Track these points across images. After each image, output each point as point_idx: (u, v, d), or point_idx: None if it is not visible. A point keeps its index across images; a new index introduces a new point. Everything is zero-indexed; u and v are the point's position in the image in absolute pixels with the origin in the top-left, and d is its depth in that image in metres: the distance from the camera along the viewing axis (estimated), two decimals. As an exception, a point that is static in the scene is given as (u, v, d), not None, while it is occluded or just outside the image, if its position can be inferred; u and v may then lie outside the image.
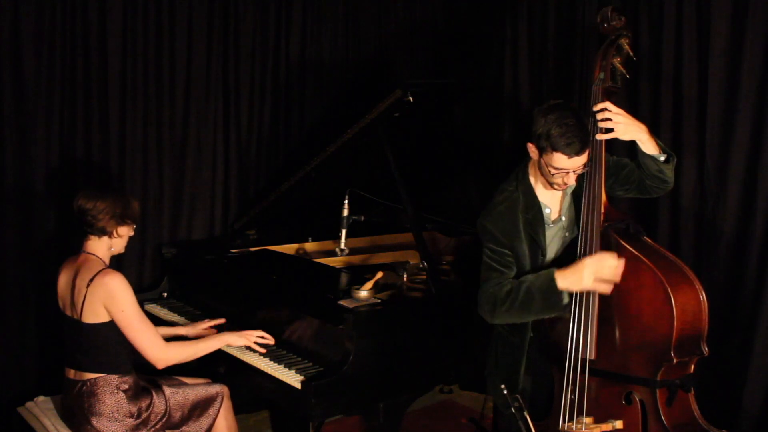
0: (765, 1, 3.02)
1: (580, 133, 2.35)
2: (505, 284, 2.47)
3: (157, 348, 2.72)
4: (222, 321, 3.26)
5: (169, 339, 2.91)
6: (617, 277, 2.30)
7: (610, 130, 2.41)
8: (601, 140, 2.43)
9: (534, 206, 2.53)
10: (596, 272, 2.30)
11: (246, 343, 2.96)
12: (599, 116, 2.41)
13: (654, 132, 3.36)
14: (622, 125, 2.40)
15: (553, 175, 2.42)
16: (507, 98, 4.23)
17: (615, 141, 2.48)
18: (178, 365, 2.90)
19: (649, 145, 2.45)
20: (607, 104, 2.41)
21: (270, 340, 2.99)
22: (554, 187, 2.49)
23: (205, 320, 3.27)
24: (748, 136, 3.09)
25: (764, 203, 3.04)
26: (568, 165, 2.37)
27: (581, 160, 2.37)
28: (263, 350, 2.96)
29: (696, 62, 3.27)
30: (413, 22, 4.85)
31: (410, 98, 2.96)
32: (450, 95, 3.60)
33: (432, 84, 3.51)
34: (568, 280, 2.35)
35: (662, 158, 2.48)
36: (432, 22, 4.85)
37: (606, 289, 2.31)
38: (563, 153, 2.34)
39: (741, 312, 3.12)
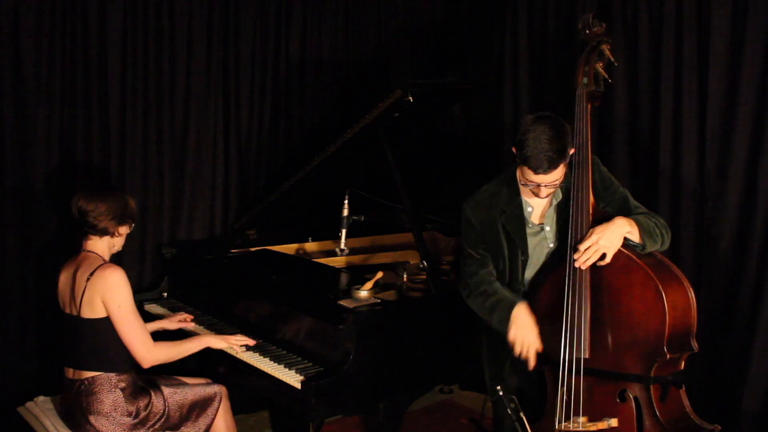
0: (765, 1, 3.02)
1: (552, 152, 2.35)
2: (483, 283, 2.62)
3: (145, 347, 2.73)
4: (190, 317, 3.33)
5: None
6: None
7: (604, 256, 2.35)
8: (587, 142, 2.44)
9: (515, 202, 2.59)
10: (522, 341, 2.46)
11: (226, 346, 2.98)
12: (586, 256, 2.34)
13: (654, 133, 3.40)
14: (608, 245, 2.33)
15: (524, 184, 2.51)
16: (507, 98, 4.23)
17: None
18: (178, 364, 2.92)
19: (635, 235, 2.38)
20: (581, 246, 2.35)
21: (251, 342, 3.02)
22: (532, 193, 2.54)
23: (180, 312, 3.38)
24: (748, 136, 3.10)
25: (764, 203, 3.04)
26: (536, 180, 2.42)
27: (549, 177, 2.41)
28: (243, 350, 2.99)
29: (696, 62, 3.27)
30: (413, 22, 4.85)
31: (410, 98, 2.97)
32: (450, 95, 3.60)
33: (432, 84, 3.50)
34: (520, 315, 2.49)
35: (641, 249, 2.39)
36: (432, 22, 4.85)
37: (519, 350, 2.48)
38: (530, 169, 2.40)
39: (741, 312, 3.12)
